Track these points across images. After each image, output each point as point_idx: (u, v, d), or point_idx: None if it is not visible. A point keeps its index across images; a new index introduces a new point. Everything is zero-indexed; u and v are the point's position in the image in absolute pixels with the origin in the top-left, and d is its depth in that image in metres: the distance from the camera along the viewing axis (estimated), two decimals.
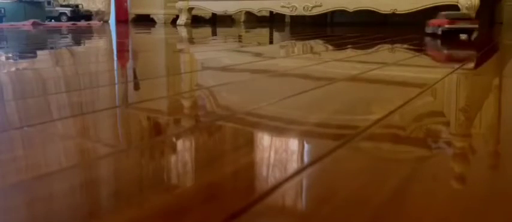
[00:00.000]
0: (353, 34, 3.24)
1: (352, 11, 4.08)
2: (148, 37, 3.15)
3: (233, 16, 5.98)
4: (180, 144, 0.62)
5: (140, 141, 0.62)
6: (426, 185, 0.46)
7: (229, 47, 2.22)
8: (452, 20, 2.68)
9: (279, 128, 0.69)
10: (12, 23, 4.69)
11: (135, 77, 1.25)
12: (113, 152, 0.57)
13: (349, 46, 2.25)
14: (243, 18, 6.18)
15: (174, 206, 0.41)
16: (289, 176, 0.49)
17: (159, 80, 1.18)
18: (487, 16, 3.94)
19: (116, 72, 1.33)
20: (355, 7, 4.04)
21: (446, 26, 2.66)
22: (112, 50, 2.25)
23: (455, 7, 3.57)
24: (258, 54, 1.83)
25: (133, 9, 5.95)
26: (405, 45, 2.11)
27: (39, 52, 2.00)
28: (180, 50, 2.14)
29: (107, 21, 5.82)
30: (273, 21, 5.92)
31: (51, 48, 2.19)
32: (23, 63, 1.51)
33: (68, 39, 2.77)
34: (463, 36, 2.67)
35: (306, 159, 0.56)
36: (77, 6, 6.20)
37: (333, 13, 5.06)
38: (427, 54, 1.78)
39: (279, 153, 0.57)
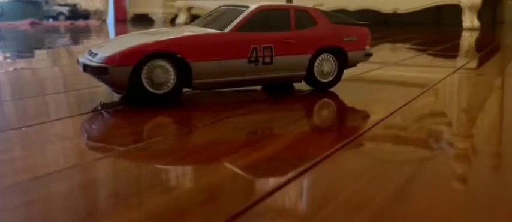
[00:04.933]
0: None
1: (353, 10, 4.07)
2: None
3: None
4: (178, 144, 0.61)
5: (139, 142, 0.61)
6: (428, 186, 0.46)
7: None
8: None
9: (278, 128, 0.68)
10: (10, 22, 4.68)
11: None
12: (112, 152, 0.57)
13: None
14: None
15: (174, 207, 0.41)
16: (290, 177, 0.48)
17: None
18: (488, 15, 3.93)
19: None
20: (356, 7, 4.03)
21: None
22: None
23: (456, 7, 3.56)
24: None
25: (132, 9, 5.94)
26: (407, 45, 2.10)
27: (37, 52, 1.99)
28: None
29: (105, 21, 5.81)
30: None
31: (49, 47, 2.19)
32: (21, 63, 1.50)
33: (66, 39, 2.76)
34: None
35: (307, 160, 0.55)
36: (74, 5, 6.18)
37: None
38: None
39: (279, 154, 0.56)
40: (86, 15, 6.17)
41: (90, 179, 0.48)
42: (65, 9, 6.05)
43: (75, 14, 6.07)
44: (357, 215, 0.39)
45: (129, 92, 0.80)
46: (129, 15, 6.06)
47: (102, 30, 3.96)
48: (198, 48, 0.82)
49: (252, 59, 0.86)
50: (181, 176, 0.50)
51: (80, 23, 5.30)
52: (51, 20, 5.80)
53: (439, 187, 0.46)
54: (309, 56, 0.91)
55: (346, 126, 0.72)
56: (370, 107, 0.84)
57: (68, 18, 5.86)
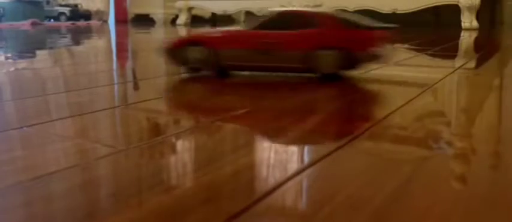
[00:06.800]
0: None
1: (352, 10, 4.07)
2: (148, 37, 3.15)
3: (233, 16, 5.97)
4: (179, 144, 0.62)
5: (139, 142, 0.61)
6: (427, 185, 0.46)
7: None
8: None
9: (279, 129, 0.68)
10: (12, 23, 4.69)
11: (134, 77, 1.24)
12: (111, 152, 0.57)
13: None
14: (242, 17, 6.17)
15: (173, 207, 0.41)
16: (291, 176, 0.48)
17: (158, 80, 1.17)
18: (487, 16, 3.92)
19: (115, 72, 1.32)
20: (355, 7, 4.03)
21: None
22: (111, 49, 2.25)
23: (455, 7, 3.56)
24: None
25: (133, 9, 5.94)
26: (406, 45, 2.10)
27: (38, 52, 1.99)
28: None
29: (106, 21, 5.81)
30: None
31: (50, 48, 2.19)
32: (22, 63, 1.50)
33: (67, 39, 2.77)
34: None
35: (306, 159, 0.56)
36: (76, 5, 6.19)
37: None
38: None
39: (279, 154, 0.56)
40: (87, 15, 6.17)
41: (90, 178, 0.49)
42: (66, 10, 6.05)
43: (77, 14, 6.07)
44: (357, 214, 0.40)
45: None
46: (130, 16, 6.07)
47: (103, 30, 3.96)
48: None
49: None
50: (181, 175, 0.50)
51: (81, 23, 5.30)
52: (52, 20, 5.80)
53: (439, 186, 0.46)
54: None
55: (345, 125, 0.72)
56: (370, 107, 0.84)
57: (69, 18, 5.87)
